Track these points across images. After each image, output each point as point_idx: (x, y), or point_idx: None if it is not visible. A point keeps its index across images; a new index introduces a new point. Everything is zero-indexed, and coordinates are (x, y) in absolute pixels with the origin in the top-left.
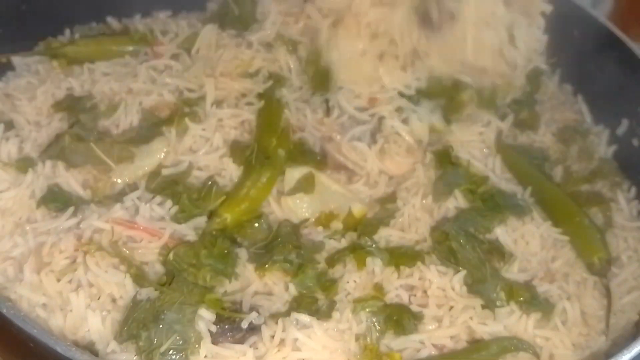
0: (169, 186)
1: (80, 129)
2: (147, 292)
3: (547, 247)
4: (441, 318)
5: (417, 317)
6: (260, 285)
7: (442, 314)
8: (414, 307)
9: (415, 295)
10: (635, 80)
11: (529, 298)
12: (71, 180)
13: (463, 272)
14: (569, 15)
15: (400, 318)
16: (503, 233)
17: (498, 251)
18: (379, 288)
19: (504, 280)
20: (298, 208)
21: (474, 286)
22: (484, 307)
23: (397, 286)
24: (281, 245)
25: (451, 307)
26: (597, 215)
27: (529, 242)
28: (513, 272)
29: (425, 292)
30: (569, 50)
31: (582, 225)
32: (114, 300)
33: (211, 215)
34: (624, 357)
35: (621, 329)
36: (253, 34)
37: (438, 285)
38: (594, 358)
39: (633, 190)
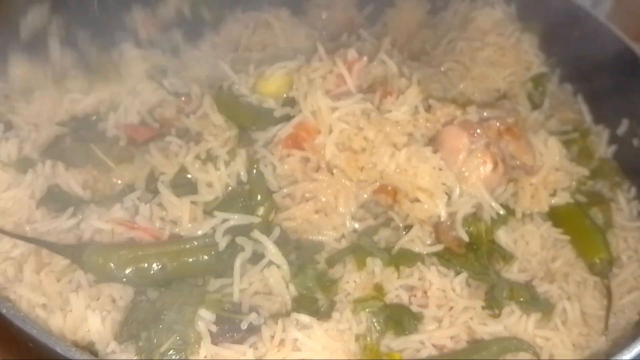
0: None
1: (80, 130)
2: (147, 293)
3: (547, 247)
4: (441, 318)
5: (417, 318)
6: (260, 285)
7: (442, 314)
8: (414, 308)
9: (415, 296)
10: (636, 80)
11: (529, 298)
12: (71, 181)
13: (464, 275)
14: (569, 15)
15: (400, 318)
16: (503, 233)
17: (498, 252)
18: (379, 288)
19: (505, 281)
20: None
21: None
22: (484, 307)
23: (397, 286)
24: (281, 246)
25: (451, 308)
26: (597, 215)
27: (529, 242)
28: (513, 273)
29: (425, 292)
30: (569, 50)
31: (583, 225)
32: (113, 301)
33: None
34: (624, 357)
35: (621, 329)
36: None
37: (438, 287)
38: (594, 358)
39: (633, 190)
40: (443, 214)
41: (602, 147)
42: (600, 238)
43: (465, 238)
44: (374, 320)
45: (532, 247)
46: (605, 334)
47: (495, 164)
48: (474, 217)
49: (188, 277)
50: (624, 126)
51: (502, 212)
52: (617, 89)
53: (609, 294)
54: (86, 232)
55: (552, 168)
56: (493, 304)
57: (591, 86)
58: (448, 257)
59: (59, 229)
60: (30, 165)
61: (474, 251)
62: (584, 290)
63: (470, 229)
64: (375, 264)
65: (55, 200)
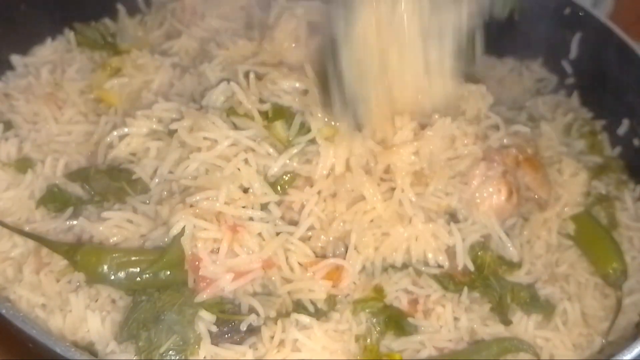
0: None
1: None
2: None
3: (552, 251)
4: (443, 324)
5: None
6: (260, 286)
7: (442, 325)
8: (417, 316)
9: (418, 303)
10: (636, 80)
11: (530, 299)
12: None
13: (465, 292)
14: (569, 15)
15: (400, 319)
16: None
17: (504, 262)
18: (378, 290)
19: (507, 283)
20: None
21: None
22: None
23: (397, 289)
24: None
25: (455, 319)
26: (600, 213)
27: (534, 245)
28: (518, 276)
29: (428, 297)
30: (569, 50)
31: (595, 234)
32: (113, 301)
33: None
34: (624, 357)
35: (622, 329)
36: None
37: (442, 303)
38: (594, 358)
39: (638, 190)
40: (446, 264)
41: (607, 146)
42: (613, 247)
43: (471, 267)
44: (374, 320)
45: (536, 249)
46: (604, 340)
47: (510, 194)
48: (481, 246)
49: (181, 286)
50: (624, 126)
51: (509, 244)
52: (617, 89)
53: (617, 307)
54: (85, 232)
55: (571, 202)
56: (500, 314)
57: (591, 86)
58: (446, 284)
59: (59, 229)
60: (29, 165)
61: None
62: (585, 290)
63: (477, 256)
64: (375, 267)
65: (55, 200)
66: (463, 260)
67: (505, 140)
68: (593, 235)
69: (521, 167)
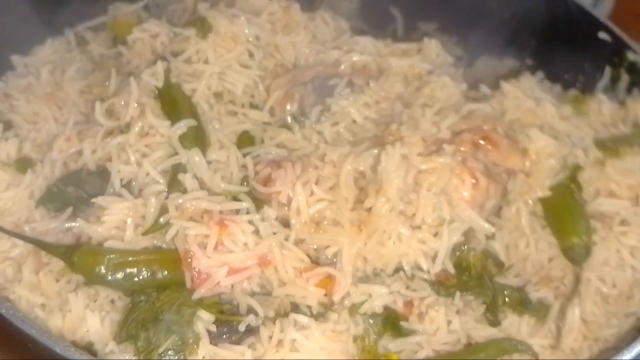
0: None
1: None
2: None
3: (540, 249)
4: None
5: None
6: (258, 286)
7: (437, 327)
8: (412, 320)
9: (413, 306)
10: (635, 80)
11: (522, 301)
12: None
13: (458, 296)
14: (570, 15)
15: (397, 320)
16: (496, 243)
17: (492, 259)
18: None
19: (499, 286)
20: None
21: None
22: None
23: (393, 291)
24: None
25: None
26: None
27: (518, 245)
28: (508, 278)
29: (422, 299)
30: (569, 50)
31: (564, 206)
32: (112, 301)
33: None
34: (624, 358)
35: (622, 332)
36: None
37: (436, 308)
38: (594, 359)
39: None
40: (425, 267)
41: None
42: (581, 221)
43: (451, 270)
44: (372, 321)
45: (521, 250)
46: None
47: (476, 180)
48: (459, 249)
49: (179, 286)
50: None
51: (493, 231)
52: (617, 89)
53: (576, 284)
54: (84, 232)
55: (537, 185)
56: (491, 314)
57: (591, 86)
58: (437, 289)
59: (58, 229)
60: (29, 165)
61: (466, 274)
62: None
63: (460, 259)
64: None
65: (54, 200)
66: (441, 264)
67: (457, 127)
68: (561, 207)
69: (480, 148)
